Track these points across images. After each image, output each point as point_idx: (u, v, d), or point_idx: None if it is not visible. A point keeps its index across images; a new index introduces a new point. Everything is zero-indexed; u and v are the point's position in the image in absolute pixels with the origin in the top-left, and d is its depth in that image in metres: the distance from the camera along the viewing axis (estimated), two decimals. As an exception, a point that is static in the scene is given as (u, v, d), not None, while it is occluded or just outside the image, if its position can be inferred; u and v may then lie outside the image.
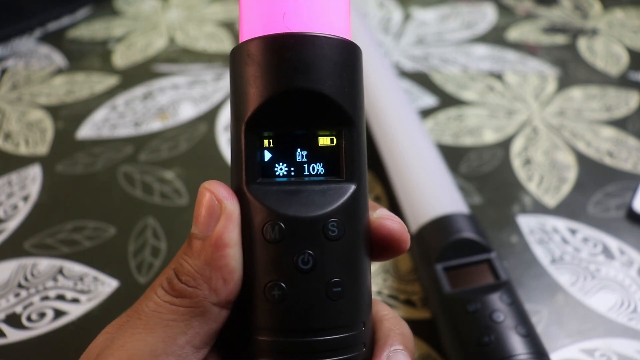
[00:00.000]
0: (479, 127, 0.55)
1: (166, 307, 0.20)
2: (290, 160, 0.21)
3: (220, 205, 0.20)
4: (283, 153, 0.21)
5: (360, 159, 0.21)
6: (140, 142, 0.53)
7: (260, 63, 0.20)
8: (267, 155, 0.21)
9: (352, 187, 0.20)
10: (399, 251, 0.22)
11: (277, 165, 0.21)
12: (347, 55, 0.20)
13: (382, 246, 0.22)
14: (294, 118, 0.20)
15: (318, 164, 0.21)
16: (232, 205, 0.20)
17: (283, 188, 0.20)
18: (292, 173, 0.21)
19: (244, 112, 0.20)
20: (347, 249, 0.20)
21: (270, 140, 0.21)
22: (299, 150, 0.21)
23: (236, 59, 0.21)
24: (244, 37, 0.21)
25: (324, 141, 0.21)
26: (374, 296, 0.40)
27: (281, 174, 0.21)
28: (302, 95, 0.20)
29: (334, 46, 0.20)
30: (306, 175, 0.21)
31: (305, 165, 0.21)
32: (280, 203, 0.20)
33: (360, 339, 0.21)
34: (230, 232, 0.20)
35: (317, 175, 0.21)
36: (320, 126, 0.21)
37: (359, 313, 0.21)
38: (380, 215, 0.22)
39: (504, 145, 0.53)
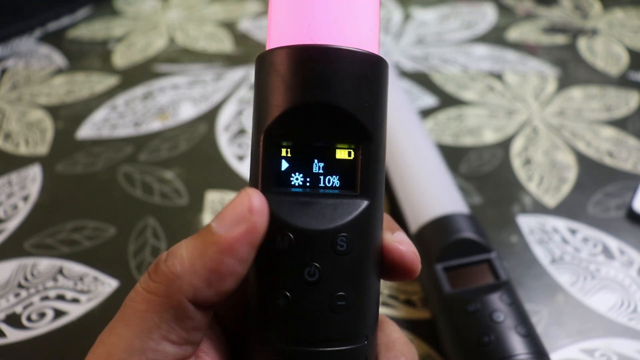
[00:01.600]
0: (479, 127, 0.55)
1: (142, 295, 0.19)
2: (306, 171, 0.21)
3: (249, 215, 0.19)
4: (300, 163, 0.21)
5: (376, 175, 0.21)
6: (140, 142, 0.53)
7: (281, 74, 0.20)
8: (284, 165, 0.21)
9: (365, 203, 0.20)
10: (407, 277, 0.22)
11: (293, 175, 0.21)
12: (370, 69, 0.20)
13: (392, 268, 0.22)
14: (312, 130, 0.20)
15: (334, 176, 0.21)
16: (260, 222, 0.19)
17: (297, 199, 0.20)
18: (308, 184, 0.21)
19: (264, 121, 0.20)
20: (355, 265, 0.20)
21: (288, 150, 0.21)
22: (316, 161, 0.21)
23: (260, 67, 0.21)
24: (270, 44, 0.21)
25: (341, 154, 0.21)
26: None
27: (296, 184, 0.21)
28: (320, 108, 0.20)
29: (357, 60, 0.20)
30: (321, 187, 0.21)
31: (321, 177, 0.21)
32: (291, 214, 0.20)
33: (362, 353, 0.21)
34: (243, 245, 0.19)
35: (332, 187, 0.21)
36: (338, 139, 0.20)
37: (362, 327, 0.21)
38: (396, 239, 0.22)
39: (504, 145, 0.53)
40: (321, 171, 0.21)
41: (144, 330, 0.19)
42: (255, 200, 0.19)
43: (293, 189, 0.21)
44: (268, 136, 0.20)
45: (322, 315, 0.20)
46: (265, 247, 0.20)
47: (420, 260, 0.22)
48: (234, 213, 0.19)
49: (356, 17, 0.20)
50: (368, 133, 0.20)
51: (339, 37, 0.20)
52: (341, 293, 0.20)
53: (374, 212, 0.21)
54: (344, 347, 0.20)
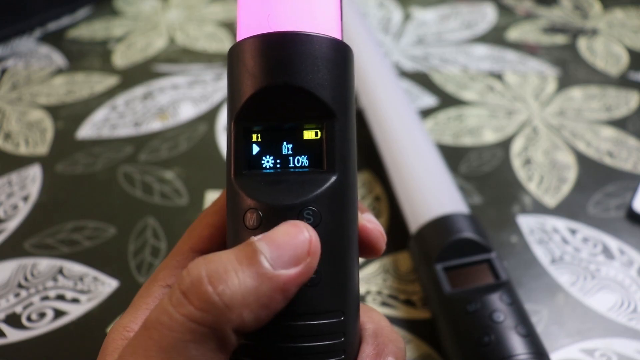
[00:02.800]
0: (479, 127, 0.55)
1: (182, 324, 0.17)
2: (275, 153, 0.22)
3: (307, 257, 0.19)
4: (269, 146, 0.22)
5: (343, 152, 0.21)
6: (140, 142, 0.53)
7: (245, 62, 0.21)
8: (255, 149, 0.22)
9: (332, 178, 0.21)
10: (372, 254, 0.23)
11: (263, 157, 0.22)
12: (328, 51, 0.21)
13: (359, 245, 0.23)
14: (278, 112, 0.21)
15: (303, 156, 0.22)
16: (314, 264, 0.19)
17: (267, 179, 0.21)
18: (278, 165, 0.22)
19: (233, 108, 0.21)
20: (325, 237, 0.20)
21: (258, 135, 0.22)
22: (284, 143, 0.22)
23: (230, 60, 0.22)
24: (238, 38, 0.22)
25: (309, 135, 0.22)
26: (374, 296, 0.40)
27: (267, 166, 0.22)
28: (282, 90, 0.20)
29: (314, 43, 0.21)
30: (291, 168, 0.22)
31: (291, 158, 0.22)
32: (260, 192, 0.21)
33: (339, 328, 0.21)
34: (295, 285, 0.19)
35: (301, 167, 0.22)
36: (303, 119, 0.21)
37: (338, 302, 0.21)
38: (364, 218, 0.23)
39: (504, 145, 0.53)
40: (290, 152, 0.22)
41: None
42: (315, 242, 0.19)
43: (264, 171, 0.21)
44: (238, 122, 0.21)
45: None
46: (238, 226, 0.21)
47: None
48: (293, 252, 0.19)
49: (314, 5, 0.22)
50: (331, 111, 0.21)
51: (297, 25, 0.21)
52: None
53: (343, 187, 0.21)
54: (318, 322, 0.20)
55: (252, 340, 0.20)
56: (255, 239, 0.19)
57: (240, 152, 0.21)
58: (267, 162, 0.22)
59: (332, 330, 0.21)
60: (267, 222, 0.20)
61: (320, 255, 0.20)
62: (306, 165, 0.21)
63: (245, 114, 0.21)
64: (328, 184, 0.21)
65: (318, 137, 0.21)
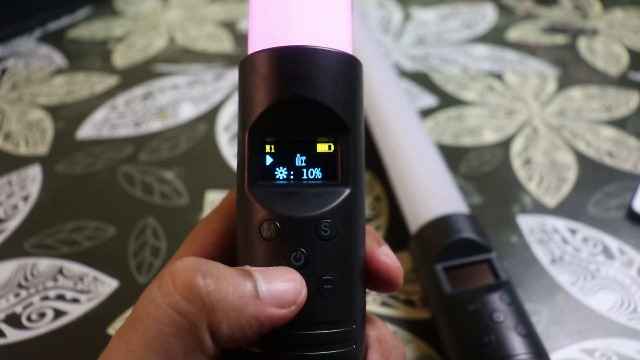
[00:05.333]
0: (479, 127, 0.55)
1: (168, 315, 0.17)
2: (289, 165, 0.22)
3: (293, 306, 0.20)
4: (283, 158, 0.22)
5: (356, 165, 0.22)
6: (140, 142, 0.53)
7: (262, 74, 0.21)
8: (268, 160, 0.22)
9: (347, 191, 0.21)
10: (389, 289, 0.24)
11: (277, 169, 0.22)
12: (344, 66, 0.22)
13: (377, 279, 0.23)
14: (294, 125, 0.21)
15: (316, 168, 0.22)
16: (295, 313, 0.20)
17: (281, 190, 0.21)
18: (292, 177, 0.22)
19: (248, 119, 0.21)
20: (340, 249, 0.21)
21: (272, 146, 0.22)
22: (298, 155, 0.22)
23: (243, 70, 0.22)
24: (251, 49, 0.22)
25: (322, 147, 0.22)
26: (374, 297, 0.40)
27: (281, 178, 0.22)
28: (300, 103, 0.21)
29: (331, 58, 0.21)
30: (304, 179, 0.22)
31: (304, 170, 0.22)
32: (277, 204, 0.21)
33: (351, 336, 0.21)
34: (273, 327, 0.19)
35: (314, 179, 0.22)
36: (318, 133, 0.22)
37: (350, 311, 0.21)
38: (382, 253, 0.23)
39: (504, 145, 0.53)
40: (304, 164, 0.22)
41: (169, 357, 0.18)
42: (304, 297, 0.20)
43: (278, 182, 0.22)
44: (252, 133, 0.21)
45: (309, 299, 0.20)
46: (253, 237, 0.21)
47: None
48: (286, 295, 0.19)
49: (329, 21, 0.22)
50: (346, 126, 0.21)
51: (314, 39, 0.22)
52: (327, 277, 0.21)
53: (356, 199, 0.22)
54: (332, 330, 0.21)
55: (269, 351, 0.20)
56: (250, 267, 0.20)
57: (255, 163, 0.22)
58: (281, 173, 0.22)
59: (345, 338, 0.21)
60: (285, 234, 0.21)
61: (333, 265, 0.21)
62: (319, 177, 0.22)
63: (261, 125, 0.21)
64: (343, 196, 0.21)
65: (331, 150, 0.22)
